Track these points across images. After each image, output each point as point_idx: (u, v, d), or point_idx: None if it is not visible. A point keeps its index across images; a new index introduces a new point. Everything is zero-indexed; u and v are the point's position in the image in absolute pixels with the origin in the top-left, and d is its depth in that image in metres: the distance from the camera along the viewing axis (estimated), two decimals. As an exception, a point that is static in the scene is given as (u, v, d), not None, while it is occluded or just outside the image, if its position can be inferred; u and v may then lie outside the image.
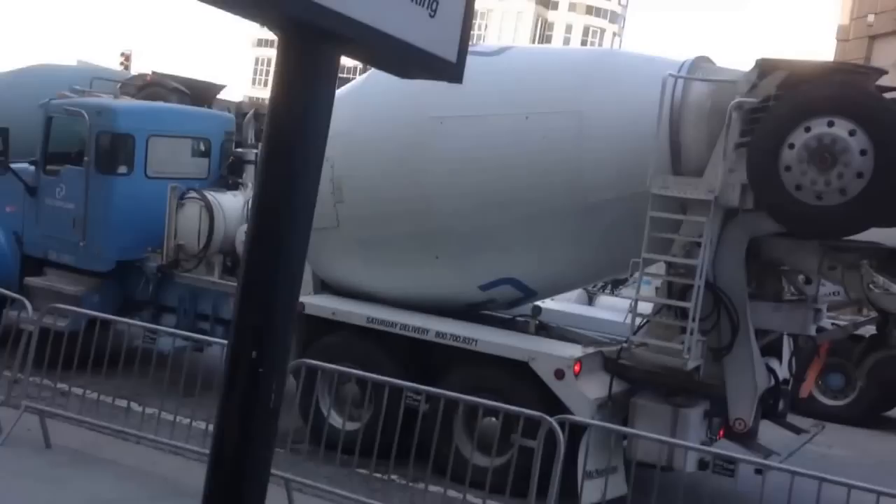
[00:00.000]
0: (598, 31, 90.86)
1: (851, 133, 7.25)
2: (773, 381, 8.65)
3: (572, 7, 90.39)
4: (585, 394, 8.21)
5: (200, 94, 14.10)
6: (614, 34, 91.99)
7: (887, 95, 8.28)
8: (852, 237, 8.21)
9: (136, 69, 39.12)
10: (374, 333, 9.23)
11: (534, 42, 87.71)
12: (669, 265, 8.16)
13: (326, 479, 8.14)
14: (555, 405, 8.12)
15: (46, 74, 15.17)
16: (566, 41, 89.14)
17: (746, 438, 8.37)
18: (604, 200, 8.32)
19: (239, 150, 12.27)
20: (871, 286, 7.53)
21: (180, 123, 11.93)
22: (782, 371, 8.93)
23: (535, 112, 8.58)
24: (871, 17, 30.88)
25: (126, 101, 12.15)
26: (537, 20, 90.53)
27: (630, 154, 8.18)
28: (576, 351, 8.45)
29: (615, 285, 12.07)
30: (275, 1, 2.17)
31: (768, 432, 9.12)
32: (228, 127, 12.34)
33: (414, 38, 2.57)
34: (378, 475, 8.23)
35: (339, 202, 9.22)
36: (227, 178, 11.95)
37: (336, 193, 9.22)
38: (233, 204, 11.10)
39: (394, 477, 8.34)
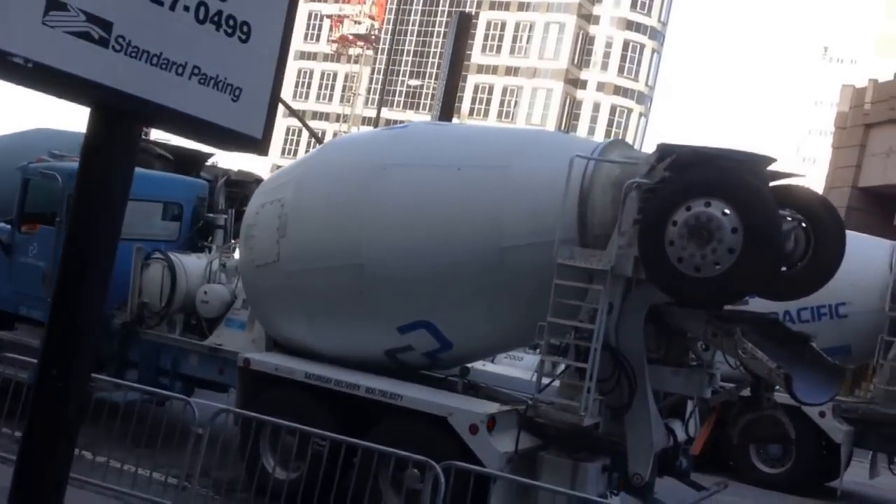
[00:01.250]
0: (626, 110, 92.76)
1: (724, 213, 8.16)
2: (672, 441, 9.45)
3: (600, 87, 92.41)
4: (496, 448, 9.02)
5: (187, 161, 15.17)
6: (640, 114, 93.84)
7: (783, 181, 9.29)
8: (740, 307, 9.13)
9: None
10: (312, 389, 10.12)
11: (562, 119, 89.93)
12: (575, 329, 9.02)
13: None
14: (473, 458, 8.97)
15: (43, 138, 16.33)
16: (593, 119, 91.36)
17: (643, 492, 9.16)
18: (520, 263, 9.21)
19: (210, 214, 13.27)
20: (741, 352, 8.36)
21: (151, 188, 12.91)
22: (682, 432, 9.73)
23: (466, 166, 9.62)
24: (867, 106, 32.05)
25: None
26: (565, 98, 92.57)
27: (547, 225, 9.09)
28: (490, 408, 9.28)
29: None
30: (87, 90, 3.10)
31: (672, 489, 9.93)
32: (200, 192, 13.36)
33: (216, 118, 3.50)
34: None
35: (282, 237, 10.21)
36: (196, 240, 12.93)
37: (281, 230, 10.22)
38: (196, 265, 12.08)
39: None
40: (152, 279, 11.93)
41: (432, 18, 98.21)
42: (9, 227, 12.95)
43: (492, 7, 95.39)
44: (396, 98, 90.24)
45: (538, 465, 9.09)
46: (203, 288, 11.72)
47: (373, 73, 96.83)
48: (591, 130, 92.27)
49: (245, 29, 3.49)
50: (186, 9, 3.27)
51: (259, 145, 3.79)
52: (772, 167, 9.13)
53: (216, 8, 3.38)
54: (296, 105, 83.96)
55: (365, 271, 9.72)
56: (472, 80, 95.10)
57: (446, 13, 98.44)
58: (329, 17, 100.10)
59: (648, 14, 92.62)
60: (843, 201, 32.99)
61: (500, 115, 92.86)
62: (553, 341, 8.94)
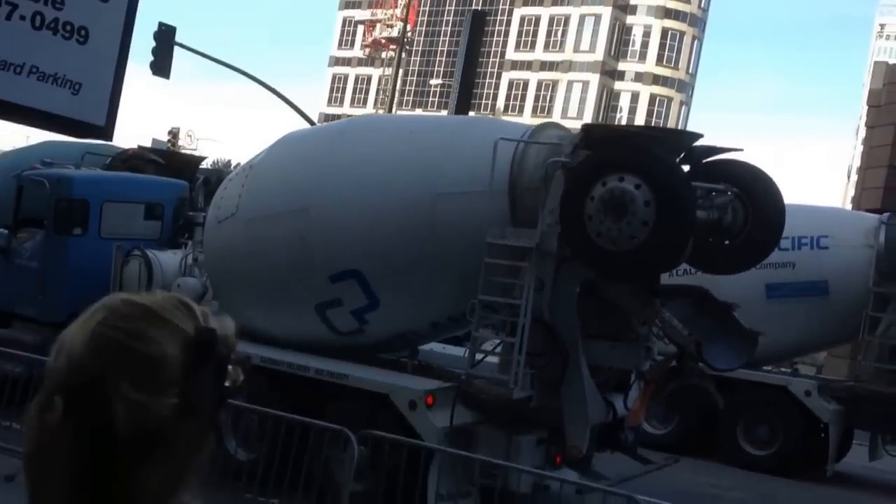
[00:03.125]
0: (666, 100, 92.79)
1: (637, 187, 8.62)
2: (612, 415, 9.90)
3: (638, 77, 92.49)
4: (434, 423, 9.54)
5: (179, 164, 16.10)
6: (682, 103, 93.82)
7: (714, 158, 9.75)
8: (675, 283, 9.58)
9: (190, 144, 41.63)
10: (267, 372, 10.71)
11: (599, 111, 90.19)
12: (509, 306, 9.51)
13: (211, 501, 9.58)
14: (415, 434, 9.50)
15: (49, 150, 17.33)
16: (632, 110, 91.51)
17: (581, 464, 9.64)
18: (451, 214, 9.73)
19: (191, 213, 13.99)
20: (659, 322, 8.82)
21: (134, 190, 13.93)
22: (622, 406, 10.16)
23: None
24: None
25: (84, 172, 14.13)
26: (602, 90, 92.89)
27: (483, 177, 9.54)
28: (429, 385, 9.80)
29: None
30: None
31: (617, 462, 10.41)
32: (181, 193, 14.16)
33: (57, 109, 4.16)
34: (262, 499, 9.68)
35: (243, 191, 11.09)
36: (177, 237, 13.67)
37: (245, 186, 11.11)
38: (172, 260, 12.85)
39: (274, 501, 9.78)
40: (131, 275, 12.67)
41: (465, 18, 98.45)
42: (6, 231, 13.83)
43: (525, 3, 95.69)
44: (430, 99, 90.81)
45: (475, 438, 9.60)
46: (176, 281, 12.40)
47: (406, 75, 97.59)
48: (630, 122, 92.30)
49: (83, 33, 4.14)
50: (23, 18, 3.93)
51: (102, 132, 4.41)
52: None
53: (52, 16, 4.03)
54: (331, 110, 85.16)
55: (308, 216, 10.40)
56: (507, 76, 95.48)
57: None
58: (362, 22, 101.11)
59: (688, 1, 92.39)
60: (879, 181, 32.75)
61: (535, 110, 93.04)
62: (486, 318, 9.45)
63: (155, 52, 25.62)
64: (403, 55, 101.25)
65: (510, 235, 9.38)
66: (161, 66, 25.56)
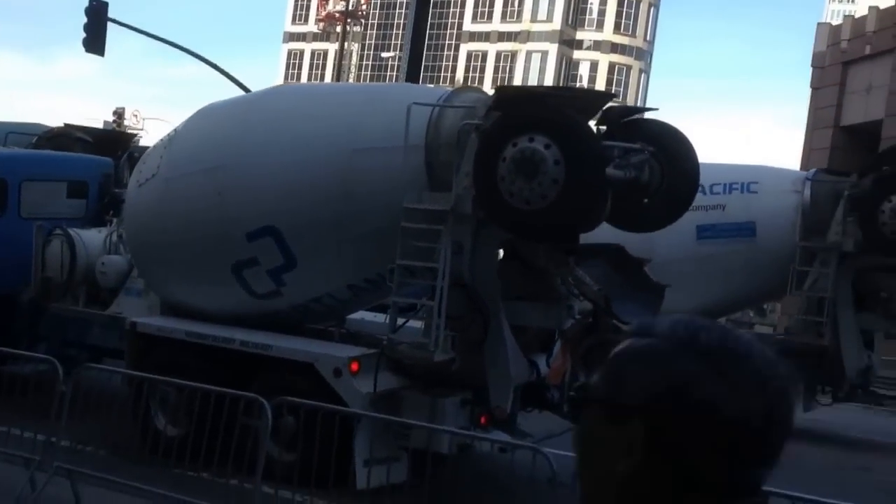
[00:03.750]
0: (625, 68, 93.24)
1: (547, 146, 8.73)
2: (535, 374, 10.05)
3: (597, 46, 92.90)
4: (359, 389, 9.65)
5: (108, 143, 15.95)
6: (641, 71, 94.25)
7: (632, 118, 9.89)
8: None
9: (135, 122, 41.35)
10: (194, 346, 10.77)
11: (559, 81, 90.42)
12: (428, 270, 9.61)
13: (140, 477, 9.67)
14: (341, 401, 9.59)
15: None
16: (591, 80, 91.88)
17: (506, 424, 9.77)
18: (369, 171, 9.81)
19: (116, 190, 13.94)
20: (571, 279, 8.97)
21: (55, 168, 13.72)
22: (545, 365, 10.31)
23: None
24: (843, 44, 32.36)
25: (1, 150, 13.97)
26: (561, 60, 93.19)
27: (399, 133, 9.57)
28: (353, 352, 9.90)
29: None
30: None
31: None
32: (106, 170, 14.06)
33: None
34: (191, 473, 9.74)
35: (165, 152, 11.25)
36: (103, 215, 13.62)
37: (167, 147, 11.27)
38: (96, 238, 12.78)
39: (204, 475, 9.83)
40: (53, 255, 12.61)
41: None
42: None
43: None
44: (388, 73, 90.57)
45: (401, 403, 9.73)
46: (101, 259, 12.40)
47: (363, 49, 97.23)
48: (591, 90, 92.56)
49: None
50: None
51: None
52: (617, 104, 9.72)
53: None
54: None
55: (225, 172, 10.48)
56: (465, 48, 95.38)
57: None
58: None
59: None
60: (826, 142, 33.34)
61: (495, 81, 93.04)
62: (405, 282, 9.55)
63: (87, 28, 25.41)
64: (360, 29, 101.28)
65: (427, 199, 9.47)
66: (94, 43, 25.37)
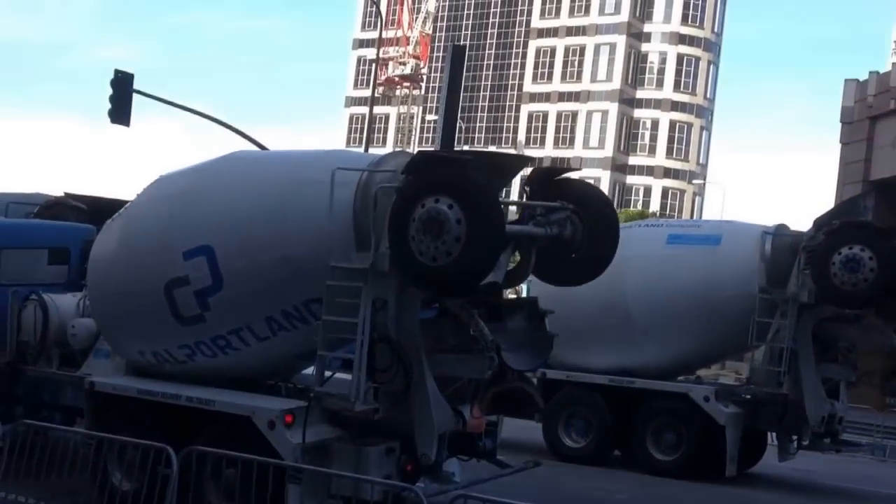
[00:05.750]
0: (685, 125, 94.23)
1: (450, 207, 9.56)
2: (462, 424, 10.79)
3: (657, 104, 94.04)
4: (290, 440, 10.42)
5: (103, 209, 17.11)
6: (702, 128, 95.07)
7: (566, 176, 10.79)
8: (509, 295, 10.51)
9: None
10: (146, 404, 11.65)
11: (620, 140, 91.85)
12: (351, 325, 10.36)
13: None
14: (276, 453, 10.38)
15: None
16: (653, 137, 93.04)
17: (432, 471, 10.52)
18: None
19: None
20: (472, 329, 9.80)
21: (36, 236, 14.79)
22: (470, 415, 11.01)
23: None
24: (870, 99, 32.96)
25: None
26: (622, 119, 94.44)
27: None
28: (288, 404, 10.68)
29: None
30: None
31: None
32: (88, 236, 15.00)
33: None
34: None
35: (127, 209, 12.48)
36: (80, 280, 14.62)
37: (125, 210, 12.50)
38: (69, 302, 13.69)
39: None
40: (28, 319, 13.58)
41: (480, 53, 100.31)
42: None
43: (540, 35, 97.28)
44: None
45: (329, 453, 10.51)
46: (72, 322, 13.36)
47: (424, 112, 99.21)
48: (652, 149, 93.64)
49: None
50: None
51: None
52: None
53: None
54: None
55: (181, 199, 11.51)
56: (526, 109, 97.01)
57: (494, 45, 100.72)
58: (373, 61, 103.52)
59: (701, 26, 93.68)
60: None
61: (556, 141, 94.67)
62: (330, 337, 10.38)
63: (113, 100, 26.65)
64: (420, 92, 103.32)
65: (356, 259, 10.32)
66: (119, 114, 26.59)
